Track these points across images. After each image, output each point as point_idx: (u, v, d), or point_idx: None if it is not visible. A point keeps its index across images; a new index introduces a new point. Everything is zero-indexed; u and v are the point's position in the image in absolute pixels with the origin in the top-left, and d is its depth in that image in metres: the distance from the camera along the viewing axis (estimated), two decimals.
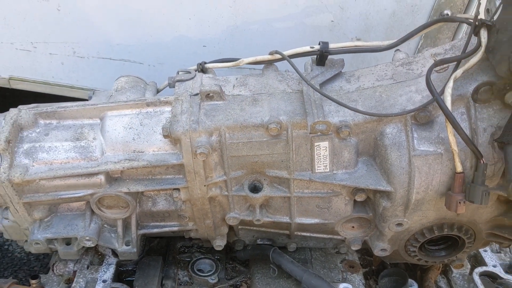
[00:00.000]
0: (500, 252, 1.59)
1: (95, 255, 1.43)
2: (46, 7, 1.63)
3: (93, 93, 1.34)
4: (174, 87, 1.26)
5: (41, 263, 2.25)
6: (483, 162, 1.04)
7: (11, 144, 1.14)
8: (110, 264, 1.40)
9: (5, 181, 1.13)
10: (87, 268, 1.39)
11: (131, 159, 1.16)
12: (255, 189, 1.22)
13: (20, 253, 2.27)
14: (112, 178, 1.19)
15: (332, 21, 1.71)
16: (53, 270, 1.41)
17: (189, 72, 1.27)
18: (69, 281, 1.38)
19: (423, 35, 1.70)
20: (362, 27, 1.73)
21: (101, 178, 1.17)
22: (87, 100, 1.65)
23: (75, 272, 1.38)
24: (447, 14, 1.70)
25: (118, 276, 1.40)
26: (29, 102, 1.33)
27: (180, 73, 1.28)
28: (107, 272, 1.37)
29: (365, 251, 1.55)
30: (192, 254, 1.52)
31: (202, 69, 1.30)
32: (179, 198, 1.21)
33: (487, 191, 1.05)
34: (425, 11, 1.71)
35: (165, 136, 1.14)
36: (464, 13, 1.71)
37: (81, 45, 1.73)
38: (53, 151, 1.16)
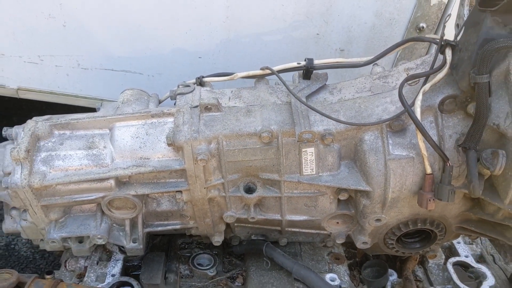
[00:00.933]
0: (472, 244, 1.75)
1: (103, 252, 1.57)
2: (52, 24, 1.75)
3: (101, 105, 1.47)
4: (175, 99, 1.39)
5: (46, 261, 2.38)
6: (449, 164, 1.19)
7: (30, 153, 1.27)
8: (117, 260, 1.54)
9: (26, 186, 1.26)
10: (97, 263, 1.52)
11: (138, 165, 1.30)
12: (249, 190, 1.36)
13: (26, 251, 2.39)
14: (121, 182, 1.32)
15: (317, 34, 1.85)
16: (65, 266, 1.54)
17: (189, 86, 1.41)
18: (81, 276, 1.51)
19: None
20: (345, 39, 1.88)
21: (111, 182, 1.30)
22: (91, 108, 1.80)
23: (86, 267, 1.51)
24: (423, 27, 1.85)
25: (125, 271, 1.53)
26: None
27: (180, 86, 1.42)
28: (115, 267, 1.51)
29: (350, 244, 1.69)
30: (192, 249, 1.66)
31: (200, 82, 1.44)
32: (182, 199, 1.35)
33: (453, 189, 1.20)
34: (402, 24, 1.86)
35: (169, 145, 1.28)
36: (438, 25, 1.87)
37: (85, 57, 1.85)
38: (68, 158, 1.30)
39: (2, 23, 1.73)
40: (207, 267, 1.59)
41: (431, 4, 1.80)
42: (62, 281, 1.21)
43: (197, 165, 1.27)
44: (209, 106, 1.31)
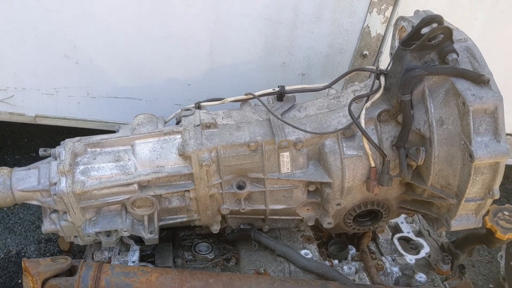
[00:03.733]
0: (412, 223, 2.22)
1: (122, 245, 1.93)
2: (67, 62, 2.13)
3: (119, 127, 1.85)
4: (180, 120, 1.80)
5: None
6: (387, 159, 1.65)
7: (71, 167, 1.65)
8: (135, 250, 1.91)
9: (70, 193, 1.63)
10: (119, 253, 1.89)
11: (156, 172, 1.69)
12: (240, 187, 1.77)
13: (36, 258, 2.70)
14: (142, 186, 1.71)
15: (283, 62, 2.30)
16: (92, 258, 1.90)
17: (190, 109, 1.82)
18: None
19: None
20: (305, 65, 2.33)
21: (135, 186, 1.69)
22: (102, 129, 2.17)
23: (110, 258, 1.88)
24: (366, 54, 2.33)
25: (141, 258, 1.91)
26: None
27: (183, 110, 1.83)
28: (134, 256, 1.88)
29: (317, 228, 2.12)
30: (192, 240, 2.05)
31: (198, 106, 1.85)
32: (189, 197, 1.75)
33: (391, 177, 1.65)
34: (350, 52, 2.33)
35: (180, 155, 1.68)
36: (377, 52, 2.35)
37: (93, 88, 2.23)
38: (101, 170, 1.68)
39: (26, 63, 2.10)
40: (206, 252, 1.99)
41: (371, 36, 2.28)
42: (104, 263, 1.59)
43: (202, 169, 1.68)
44: (208, 124, 1.72)
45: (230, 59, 2.24)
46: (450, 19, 1.60)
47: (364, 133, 1.61)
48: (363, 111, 1.63)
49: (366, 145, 1.64)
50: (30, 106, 2.23)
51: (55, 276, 1.50)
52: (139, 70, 2.23)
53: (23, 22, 2.01)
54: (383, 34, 2.27)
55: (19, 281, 2.55)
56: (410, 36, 1.59)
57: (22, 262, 1.51)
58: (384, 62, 2.28)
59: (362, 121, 1.62)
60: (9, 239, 2.74)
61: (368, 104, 1.65)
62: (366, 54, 2.32)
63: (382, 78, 1.66)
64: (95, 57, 2.15)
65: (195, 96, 2.28)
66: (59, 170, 1.63)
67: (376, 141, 1.65)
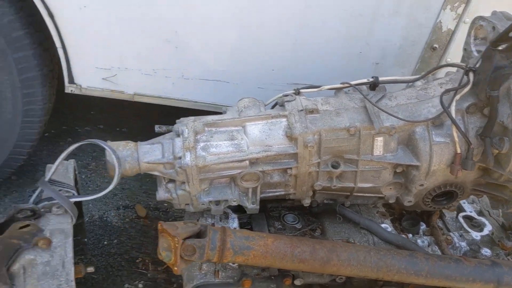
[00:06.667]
0: (473, 203, 2.46)
1: (222, 214, 2.18)
2: (167, 46, 2.33)
3: (227, 109, 2.06)
4: (282, 105, 2.01)
5: (134, 229, 2.96)
6: (472, 147, 1.87)
7: (194, 144, 1.87)
8: (233, 218, 2.14)
9: (193, 166, 1.86)
10: (220, 220, 2.13)
11: (265, 151, 1.91)
12: (334, 166, 2.00)
13: (117, 222, 2.95)
14: (252, 162, 1.94)
15: (360, 52, 2.50)
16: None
17: (291, 95, 2.03)
18: None
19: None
20: (380, 55, 2.53)
21: (247, 163, 1.91)
22: (192, 109, 2.38)
23: (213, 223, 2.12)
24: (436, 47, 2.53)
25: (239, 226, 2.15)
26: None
27: (284, 96, 2.04)
28: (234, 223, 2.12)
29: (389, 205, 2.36)
30: (280, 211, 2.29)
31: (298, 92, 2.06)
32: (291, 174, 1.97)
33: (474, 163, 1.88)
34: (421, 45, 2.51)
35: (287, 137, 1.90)
36: (448, 44, 2.54)
37: (187, 70, 2.43)
38: (219, 147, 1.90)
39: (132, 45, 2.30)
40: (294, 223, 2.22)
41: (442, 31, 2.47)
42: (225, 227, 1.83)
43: (306, 150, 1.90)
44: (311, 110, 1.93)
45: (313, 48, 2.43)
46: None
47: (455, 122, 1.82)
48: (454, 103, 1.84)
49: (455, 133, 1.85)
50: (130, 84, 2.43)
51: (188, 237, 1.74)
52: (229, 55, 2.42)
53: (133, 9, 2.21)
54: (453, 29, 2.46)
55: (105, 242, 2.81)
56: (499, 38, 1.79)
57: (159, 225, 1.75)
58: (452, 55, 2.49)
59: (453, 112, 1.83)
60: (90, 205, 2.98)
61: (458, 97, 1.85)
62: (436, 47, 2.51)
63: (471, 75, 1.86)
64: (191, 42, 2.35)
65: (277, 81, 2.48)
66: (184, 146, 1.85)
67: (463, 130, 1.87)
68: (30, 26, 2.26)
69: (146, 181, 3.30)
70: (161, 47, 2.33)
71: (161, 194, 2.03)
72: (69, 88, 2.38)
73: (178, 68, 2.41)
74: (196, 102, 2.52)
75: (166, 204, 3.21)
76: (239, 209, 2.19)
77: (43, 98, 2.42)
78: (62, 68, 2.32)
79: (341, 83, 2.06)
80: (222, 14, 2.30)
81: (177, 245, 1.68)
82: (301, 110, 1.95)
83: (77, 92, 2.40)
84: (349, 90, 2.08)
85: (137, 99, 2.49)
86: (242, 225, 2.17)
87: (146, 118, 3.74)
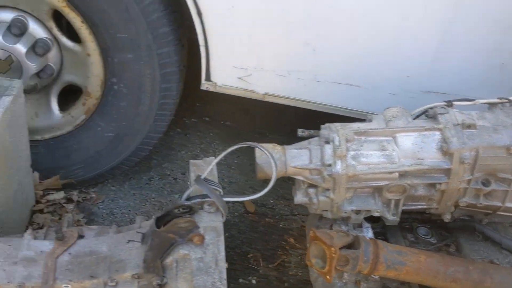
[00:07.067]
0: None
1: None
2: (306, 49, 2.32)
3: (372, 117, 2.03)
4: (434, 117, 1.96)
5: (244, 223, 3.00)
6: None
7: (345, 152, 1.86)
8: (367, 227, 2.12)
9: (344, 174, 1.84)
10: (354, 229, 2.11)
11: (417, 164, 1.87)
12: (484, 184, 1.93)
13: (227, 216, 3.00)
14: (401, 175, 1.90)
15: (502, 63, 2.39)
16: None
17: (443, 108, 1.97)
18: None
19: None
20: None
21: (396, 174, 1.88)
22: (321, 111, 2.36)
23: (347, 231, 2.11)
24: None
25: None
26: None
27: (435, 108, 1.98)
28: (369, 233, 2.09)
29: None
30: (411, 223, 2.24)
31: (451, 104, 2.00)
32: (438, 189, 1.92)
33: None
34: None
35: (442, 151, 1.85)
36: None
37: (321, 73, 2.42)
38: (369, 157, 1.87)
39: (271, 46, 2.31)
40: (427, 237, 2.17)
41: None
42: (376, 240, 1.80)
43: (461, 166, 1.84)
44: (469, 125, 1.87)
45: (454, 57, 2.35)
46: None
47: None
48: None
49: None
50: (262, 84, 2.45)
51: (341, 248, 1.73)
52: (363, 59, 2.39)
53: (278, 12, 2.21)
54: None
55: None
56: None
57: (311, 232, 1.76)
58: None
59: None
60: None
61: None
62: None
63: None
64: (327, 46, 2.33)
65: (411, 88, 2.42)
66: (336, 154, 1.84)
67: None
68: (175, 23, 2.31)
69: (251, 176, 3.33)
70: (299, 49, 2.32)
71: (299, 197, 2.03)
72: (204, 85, 2.42)
73: (312, 70, 2.40)
74: (325, 105, 2.50)
75: (272, 201, 3.24)
76: (367, 218, 2.17)
77: (177, 93, 2.48)
78: (201, 65, 2.36)
79: (497, 98, 1.98)
80: (362, 19, 2.27)
81: (333, 255, 1.67)
82: (457, 124, 1.89)
83: (211, 89, 2.44)
84: (503, 106, 1.99)
85: (268, 99, 2.49)
86: (376, 235, 2.14)
87: (249, 113, 3.78)
